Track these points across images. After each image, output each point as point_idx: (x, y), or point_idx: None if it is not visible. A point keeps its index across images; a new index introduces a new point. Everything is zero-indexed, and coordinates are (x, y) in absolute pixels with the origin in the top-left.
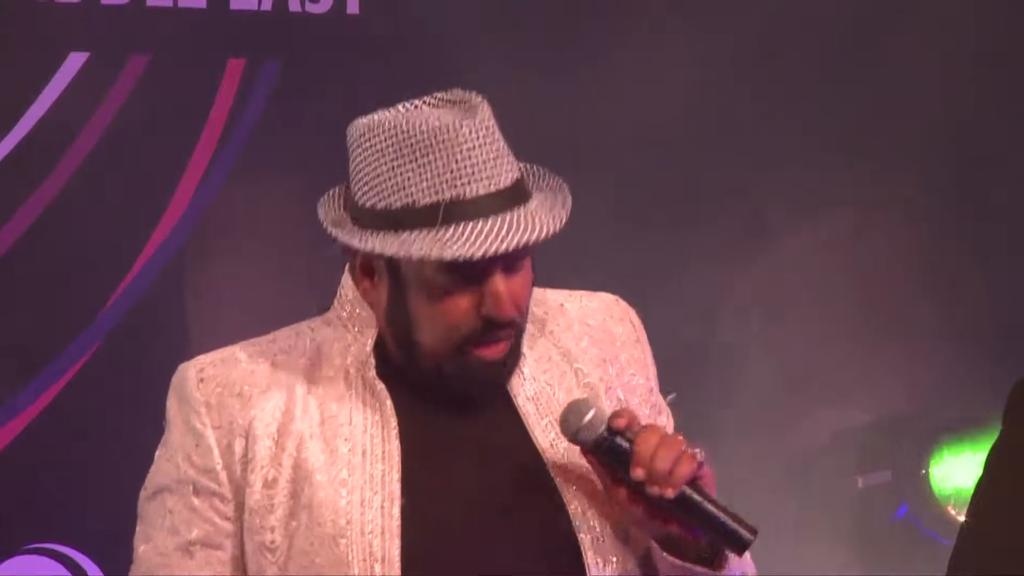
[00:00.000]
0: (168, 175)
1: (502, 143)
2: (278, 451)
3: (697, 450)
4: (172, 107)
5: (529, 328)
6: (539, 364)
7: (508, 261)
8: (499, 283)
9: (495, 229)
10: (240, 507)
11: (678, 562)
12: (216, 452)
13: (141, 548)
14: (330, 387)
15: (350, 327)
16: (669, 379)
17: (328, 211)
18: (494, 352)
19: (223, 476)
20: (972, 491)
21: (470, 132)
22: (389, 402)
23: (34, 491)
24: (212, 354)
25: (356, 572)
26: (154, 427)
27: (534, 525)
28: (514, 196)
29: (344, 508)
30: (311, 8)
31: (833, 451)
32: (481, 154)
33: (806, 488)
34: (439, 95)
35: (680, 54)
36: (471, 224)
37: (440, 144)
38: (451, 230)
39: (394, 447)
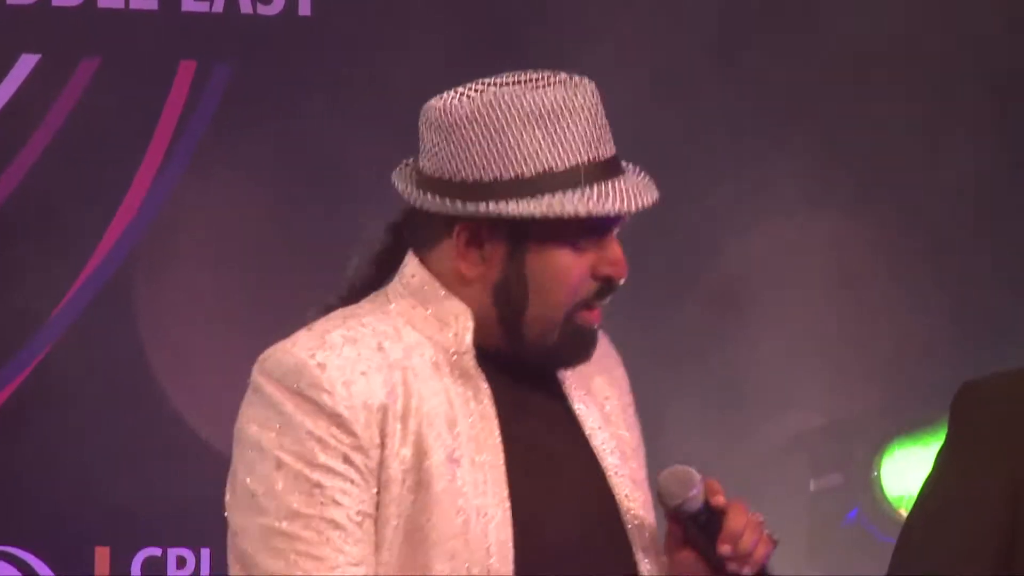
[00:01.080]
0: (120, 177)
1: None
2: (404, 429)
3: (772, 533)
4: (124, 109)
5: None
6: (575, 374)
7: (620, 225)
8: (617, 245)
9: (627, 189)
10: (379, 481)
11: None
12: (358, 428)
13: (284, 524)
14: (428, 373)
15: (430, 317)
16: (629, 377)
17: (410, 189)
18: (593, 318)
19: (371, 452)
20: (917, 493)
21: (587, 101)
22: (488, 392)
23: None
24: (306, 340)
25: (472, 550)
26: (106, 427)
27: (606, 529)
28: (620, 165)
29: (458, 490)
30: (263, 10)
31: (786, 454)
32: (600, 121)
33: (760, 490)
34: (522, 74)
35: (652, 42)
36: (609, 183)
37: (567, 112)
38: (595, 189)
39: (495, 437)
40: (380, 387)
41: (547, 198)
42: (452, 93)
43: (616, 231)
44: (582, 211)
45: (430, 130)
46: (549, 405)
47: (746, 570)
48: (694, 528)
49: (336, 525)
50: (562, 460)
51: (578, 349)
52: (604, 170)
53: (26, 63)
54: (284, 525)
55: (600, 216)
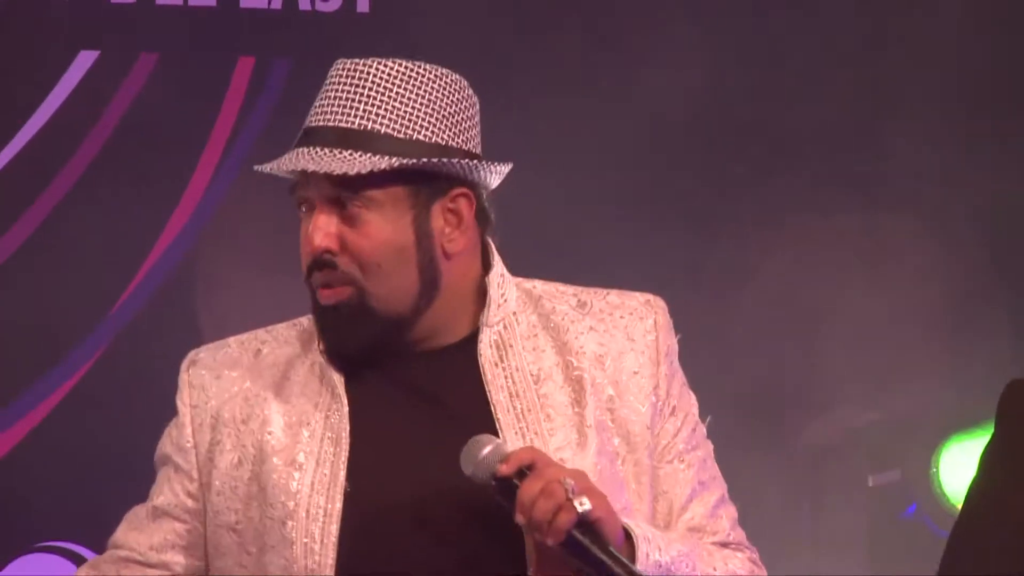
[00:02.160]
0: (178, 174)
1: (401, 99)
2: (245, 434)
3: (582, 499)
4: (182, 105)
5: (528, 312)
6: (522, 339)
7: (326, 199)
8: (317, 219)
9: (304, 155)
10: (206, 487)
11: None
12: (189, 431)
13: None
14: (308, 373)
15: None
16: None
17: None
18: (326, 295)
19: (192, 456)
20: (966, 491)
21: (370, 74)
22: (341, 382)
23: (44, 490)
24: (216, 342)
25: (297, 554)
26: (162, 426)
27: (478, 514)
28: (357, 140)
29: (293, 491)
30: (321, 7)
31: (844, 451)
32: (351, 92)
33: (818, 487)
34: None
35: (685, 54)
36: (301, 149)
37: (337, 79)
38: (293, 152)
39: (343, 429)
40: (230, 392)
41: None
42: None
43: (324, 204)
44: (258, 167)
45: None
46: (460, 394)
47: (549, 540)
48: (503, 499)
49: (132, 518)
50: (425, 455)
51: (322, 326)
52: (313, 137)
53: (85, 60)
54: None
55: (293, 172)
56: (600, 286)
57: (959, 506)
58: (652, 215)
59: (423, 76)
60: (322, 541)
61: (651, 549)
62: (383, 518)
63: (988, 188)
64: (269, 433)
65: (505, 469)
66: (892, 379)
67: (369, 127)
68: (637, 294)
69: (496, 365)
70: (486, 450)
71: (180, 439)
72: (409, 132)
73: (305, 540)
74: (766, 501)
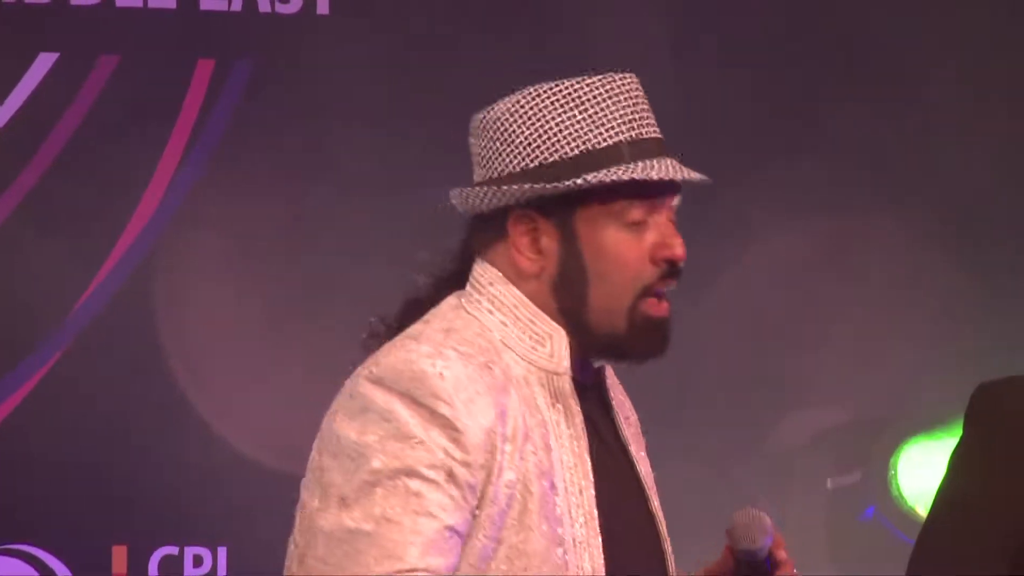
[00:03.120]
0: (138, 176)
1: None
2: (514, 451)
3: None
4: (142, 107)
5: None
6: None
7: (671, 206)
8: (672, 226)
9: (674, 164)
10: (483, 499)
11: None
12: (472, 445)
13: (370, 527)
14: (526, 393)
15: (524, 336)
16: (647, 376)
17: (465, 195)
18: (662, 309)
19: (479, 473)
20: (934, 494)
21: (628, 84)
22: (580, 414)
23: (3, 492)
24: (415, 350)
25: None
26: (124, 426)
27: (657, 542)
28: (666, 149)
29: (557, 516)
30: (281, 8)
31: (803, 452)
32: (644, 103)
33: (778, 487)
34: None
35: (663, 51)
36: (654, 160)
37: (606, 94)
38: (640, 164)
39: (587, 463)
40: (491, 408)
41: (590, 175)
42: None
43: (667, 212)
44: (624, 177)
45: (476, 138)
46: (610, 429)
47: None
48: (747, 570)
49: (423, 534)
50: (628, 487)
51: (649, 340)
52: (647, 147)
53: (44, 62)
54: (376, 527)
55: (645, 183)
56: None
57: (916, 508)
58: None
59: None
60: (592, 569)
61: None
62: (632, 551)
63: (954, 189)
64: (529, 452)
65: (783, 555)
66: (852, 381)
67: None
68: None
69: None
70: (768, 539)
71: (465, 455)
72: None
73: (576, 569)
74: (730, 498)
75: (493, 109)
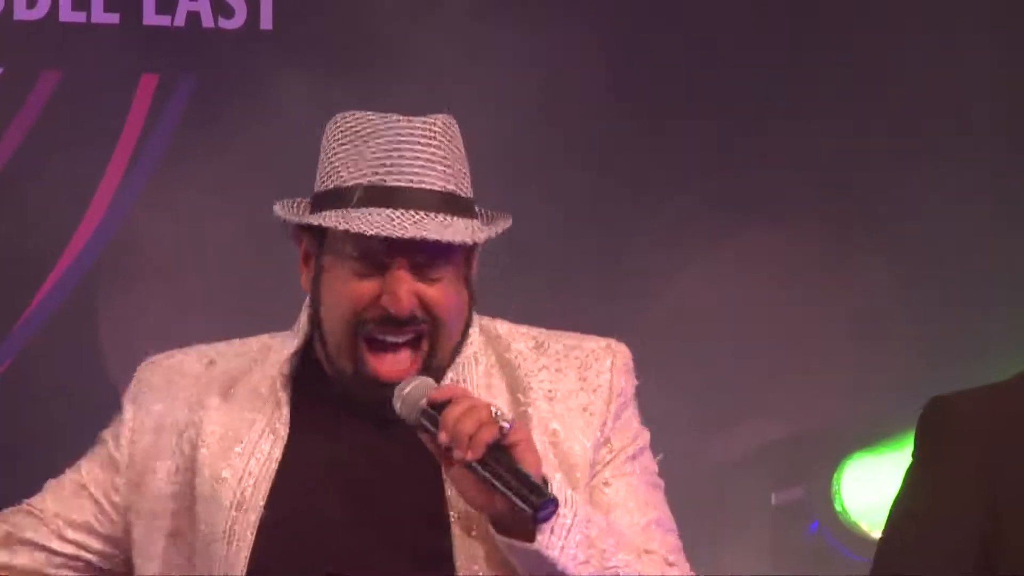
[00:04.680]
0: (82, 190)
1: (451, 159)
2: (182, 442)
3: (505, 422)
4: (85, 122)
5: (488, 353)
6: (478, 379)
7: (415, 263)
8: (402, 278)
9: (399, 219)
10: (134, 486)
11: (502, 539)
12: (128, 427)
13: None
14: (253, 390)
15: (286, 337)
16: None
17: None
18: (390, 371)
19: (126, 453)
20: (889, 510)
21: (408, 132)
22: (286, 410)
23: None
24: (178, 349)
25: (211, 566)
26: (69, 435)
27: (412, 554)
28: (437, 203)
29: (216, 511)
30: (224, 23)
31: (747, 467)
32: (412, 153)
33: (722, 503)
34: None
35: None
36: (379, 210)
37: (375, 134)
38: (361, 211)
39: (274, 457)
40: (175, 398)
41: (325, 213)
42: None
43: (403, 261)
44: (328, 222)
45: None
46: (382, 426)
47: (469, 455)
48: (429, 433)
49: (63, 479)
50: (361, 482)
51: (370, 396)
52: (385, 196)
53: None
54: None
55: (359, 233)
56: (522, 287)
57: (860, 524)
58: (563, 224)
59: (451, 129)
60: (231, 565)
61: (567, 497)
62: (292, 546)
63: (893, 205)
64: (203, 443)
65: (438, 395)
66: (794, 397)
67: (450, 189)
68: (599, 339)
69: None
70: (412, 384)
71: (119, 434)
72: (466, 190)
73: (217, 561)
74: (673, 513)
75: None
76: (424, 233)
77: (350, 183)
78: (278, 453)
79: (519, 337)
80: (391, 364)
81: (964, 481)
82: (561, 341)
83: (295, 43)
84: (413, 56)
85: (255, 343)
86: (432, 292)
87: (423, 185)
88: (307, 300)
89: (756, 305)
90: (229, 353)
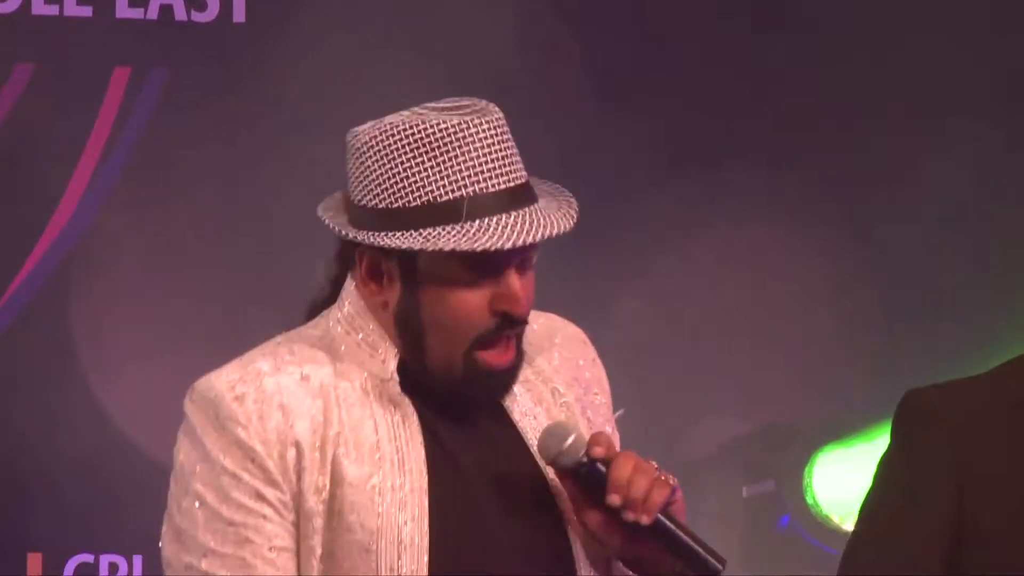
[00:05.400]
0: (54, 184)
1: (512, 144)
2: (322, 459)
3: (670, 476)
4: (58, 115)
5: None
6: (522, 384)
7: (522, 259)
8: (515, 279)
9: (518, 223)
10: (298, 513)
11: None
12: (271, 463)
13: (203, 563)
14: (354, 399)
15: (362, 342)
16: None
17: (331, 217)
18: (502, 360)
19: (284, 486)
20: (862, 502)
21: (484, 131)
22: (415, 417)
23: None
24: (229, 370)
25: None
26: (39, 433)
27: (545, 546)
28: (527, 195)
29: (373, 518)
30: (197, 17)
31: (718, 461)
32: (496, 152)
33: (692, 496)
34: (445, 101)
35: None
36: (495, 218)
37: (456, 142)
38: (476, 224)
39: (421, 462)
40: (298, 419)
41: (426, 231)
42: (374, 121)
43: (515, 264)
44: (462, 246)
45: (347, 154)
46: (487, 423)
47: (644, 518)
48: (583, 484)
49: (247, 564)
50: (497, 480)
51: (483, 389)
52: (491, 203)
53: None
54: (203, 564)
55: (479, 252)
56: None
57: (831, 517)
58: None
59: (497, 112)
60: (410, 567)
61: None
62: (467, 548)
63: (864, 200)
64: (341, 455)
65: (600, 451)
66: (765, 390)
67: (526, 178)
68: (552, 315)
69: (515, 401)
70: (571, 439)
71: (266, 474)
72: (527, 176)
73: (389, 570)
74: None
75: (359, 134)
76: (550, 231)
77: (447, 197)
78: (422, 452)
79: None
80: (502, 354)
81: (935, 473)
82: (536, 320)
83: (267, 36)
84: (391, 48)
85: (308, 349)
86: (530, 284)
87: (516, 182)
88: (344, 297)
89: (728, 301)
90: (305, 363)
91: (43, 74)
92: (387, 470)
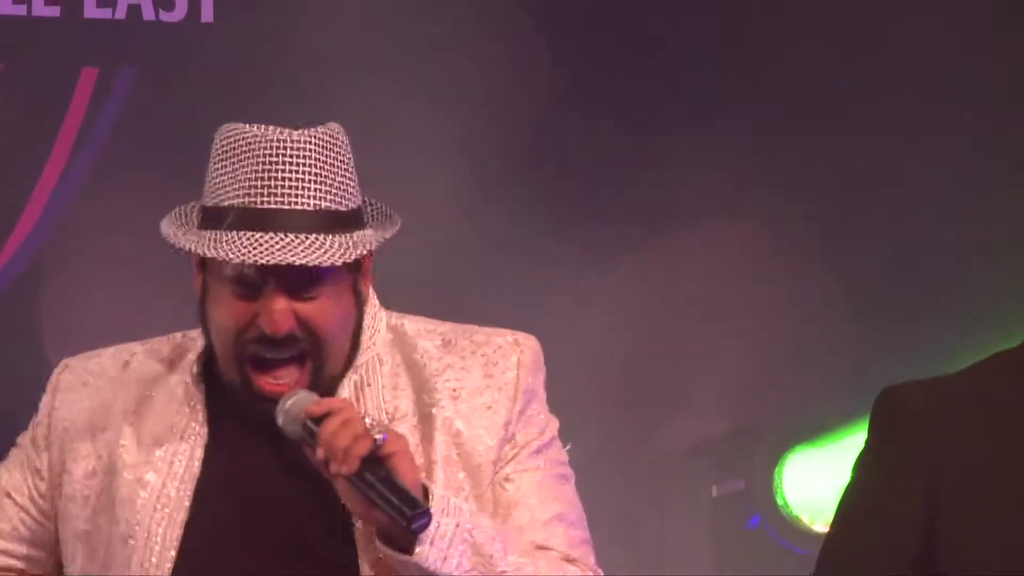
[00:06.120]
0: (22, 183)
1: (329, 172)
2: (101, 444)
3: (379, 434)
4: (25, 115)
5: (394, 352)
6: (384, 379)
7: (289, 284)
8: (276, 300)
9: (267, 243)
10: (56, 489)
11: (384, 549)
12: (45, 431)
13: None
14: (170, 392)
15: (198, 337)
16: None
17: (186, 215)
18: (273, 386)
19: (45, 457)
20: (839, 500)
21: (282, 149)
22: (203, 412)
23: None
24: (94, 350)
25: (132, 569)
26: (9, 435)
27: (314, 555)
28: (310, 223)
29: (137, 511)
30: (165, 16)
31: (688, 460)
32: (286, 172)
33: (662, 496)
34: (307, 121)
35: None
36: (250, 233)
37: (253, 152)
38: (230, 234)
39: (196, 458)
40: (90, 399)
41: (202, 233)
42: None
43: (283, 287)
44: (191, 247)
45: None
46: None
47: (344, 469)
48: (310, 448)
49: None
50: (275, 486)
51: (257, 408)
52: (256, 219)
53: None
54: None
55: (221, 260)
56: (457, 285)
57: (801, 517)
58: (512, 213)
59: (333, 139)
60: (157, 566)
61: (448, 505)
62: (219, 548)
63: (834, 201)
64: (123, 446)
65: (315, 409)
66: (736, 389)
67: (322, 206)
68: (508, 332)
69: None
70: (293, 399)
71: (37, 438)
72: (347, 203)
73: (141, 562)
74: (611, 509)
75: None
76: (291, 259)
77: (225, 203)
78: (200, 453)
79: (426, 335)
80: (274, 380)
81: (909, 470)
82: (469, 337)
83: (235, 36)
84: (360, 48)
85: (167, 343)
86: (309, 310)
87: (295, 206)
88: None
89: (698, 300)
90: (143, 353)
91: (11, 74)
92: (162, 468)
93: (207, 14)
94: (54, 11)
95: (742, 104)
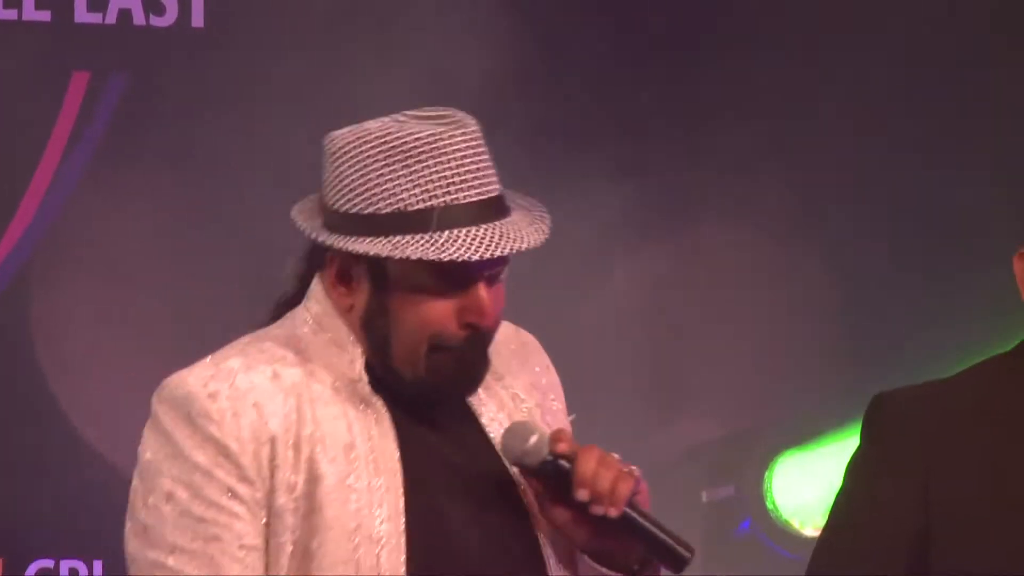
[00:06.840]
0: (13, 189)
1: (487, 156)
2: (296, 457)
3: (633, 468)
4: (16, 121)
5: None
6: (485, 390)
7: (492, 272)
8: (483, 291)
9: (487, 236)
10: (269, 511)
11: (607, 572)
12: (245, 460)
13: (170, 560)
14: (327, 398)
15: (329, 342)
16: None
17: (304, 220)
18: (459, 358)
19: (258, 484)
20: (831, 503)
21: (459, 142)
22: (388, 418)
23: None
24: (201, 368)
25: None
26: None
27: (515, 545)
28: (499, 208)
29: (352, 515)
30: (156, 21)
31: (678, 464)
32: (471, 164)
33: (652, 500)
34: (424, 110)
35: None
36: (464, 230)
37: (430, 152)
38: (445, 234)
39: (395, 461)
40: (271, 416)
41: (395, 239)
42: (352, 126)
43: (486, 276)
44: (429, 255)
45: (324, 157)
46: (456, 425)
47: (612, 511)
48: (550, 481)
49: (215, 562)
50: (467, 480)
51: (450, 387)
52: (462, 215)
53: None
54: (170, 561)
55: (445, 262)
56: None
57: (792, 522)
58: None
59: (473, 123)
60: (390, 566)
61: None
62: (441, 549)
63: (824, 207)
64: (318, 455)
65: (563, 447)
66: (726, 395)
67: (500, 190)
68: (503, 322)
69: (481, 404)
70: (534, 438)
71: (239, 471)
72: (500, 189)
73: (371, 566)
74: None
75: (335, 139)
76: (521, 244)
77: (418, 206)
78: (396, 453)
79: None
80: (462, 359)
81: (902, 475)
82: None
83: (226, 41)
84: (351, 52)
85: (275, 349)
86: (499, 296)
87: (489, 194)
88: (311, 295)
89: (689, 305)
90: (275, 362)
91: (1, 78)
92: (362, 469)
93: (198, 19)
94: (45, 15)
95: (742, 104)
